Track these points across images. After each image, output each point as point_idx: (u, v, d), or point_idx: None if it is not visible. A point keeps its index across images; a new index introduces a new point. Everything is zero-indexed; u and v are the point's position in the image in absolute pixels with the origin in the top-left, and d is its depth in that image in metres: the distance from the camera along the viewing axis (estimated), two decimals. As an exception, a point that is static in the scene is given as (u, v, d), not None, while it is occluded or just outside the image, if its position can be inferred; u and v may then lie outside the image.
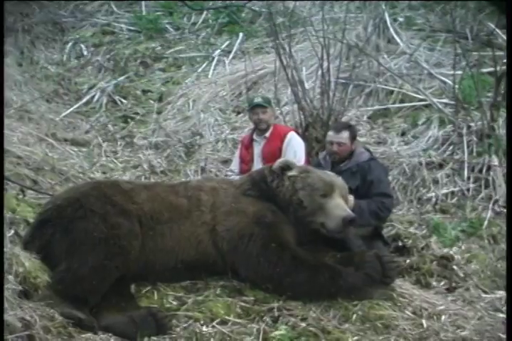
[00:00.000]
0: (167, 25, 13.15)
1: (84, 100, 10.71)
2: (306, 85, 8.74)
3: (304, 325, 4.49)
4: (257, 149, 6.99)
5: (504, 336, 4.68)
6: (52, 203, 4.92)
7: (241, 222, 4.97)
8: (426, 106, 9.08)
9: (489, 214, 6.97)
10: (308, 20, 10.48)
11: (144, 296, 4.76)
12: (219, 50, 11.83)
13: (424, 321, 4.70)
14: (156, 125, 9.67)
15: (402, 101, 9.39)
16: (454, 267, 5.85)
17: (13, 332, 3.70)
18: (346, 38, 9.09)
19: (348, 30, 9.49)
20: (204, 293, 4.80)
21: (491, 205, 7.09)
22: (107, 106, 10.62)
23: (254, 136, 7.10)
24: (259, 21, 12.64)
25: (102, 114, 10.34)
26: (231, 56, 11.52)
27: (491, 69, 8.40)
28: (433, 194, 7.41)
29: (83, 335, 4.11)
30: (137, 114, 10.33)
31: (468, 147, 7.75)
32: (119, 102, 10.72)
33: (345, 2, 11.15)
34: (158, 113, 10.23)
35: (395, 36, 10.31)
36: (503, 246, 6.39)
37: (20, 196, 6.02)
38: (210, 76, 11.07)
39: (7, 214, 5.02)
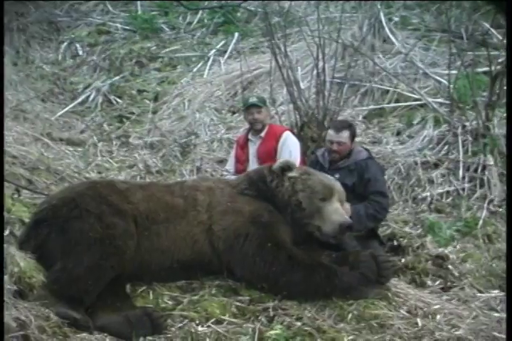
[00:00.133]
0: (162, 25, 13.14)
1: (79, 100, 10.72)
2: (302, 85, 8.75)
3: (299, 324, 4.49)
4: (253, 149, 6.99)
5: (499, 335, 4.71)
6: (48, 203, 4.90)
7: (237, 222, 4.97)
8: (421, 105, 9.09)
9: (484, 213, 6.98)
10: (304, 20, 10.47)
11: (139, 296, 4.76)
12: (214, 50, 11.83)
13: (419, 320, 4.70)
14: (151, 125, 9.67)
15: (397, 100, 9.40)
16: (449, 266, 5.86)
17: (8, 332, 3.69)
18: (341, 37, 9.12)
19: (343, 30, 9.50)
20: (199, 293, 4.79)
21: (485, 205, 7.11)
22: (102, 105, 10.63)
23: (250, 136, 7.10)
24: (255, 21, 12.64)
25: (97, 113, 10.36)
26: (226, 56, 11.53)
27: (486, 68, 8.42)
28: (428, 193, 7.42)
29: (78, 335, 4.10)
30: (132, 113, 10.33)
31: (463, 146, 7.77)
32: (114, 102, 10.73)
33: (341, 2, 11.18)
34: (154, 113, 10.24)
35: (390, 36, 10.33)
36: (498, 245, 6.41)
37: (16, 196, 6.01)
38: (205, 76, 11.07)
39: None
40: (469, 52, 9.17)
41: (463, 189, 7.39)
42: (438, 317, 4.83)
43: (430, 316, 4.82)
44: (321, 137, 7.50)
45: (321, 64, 8.07)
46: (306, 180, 5.22)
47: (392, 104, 9.36)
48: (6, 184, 5.97)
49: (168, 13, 13.57)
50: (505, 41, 8.51)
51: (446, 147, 7.98)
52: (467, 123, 7.95)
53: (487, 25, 10.05)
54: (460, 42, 9.88)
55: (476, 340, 4.58)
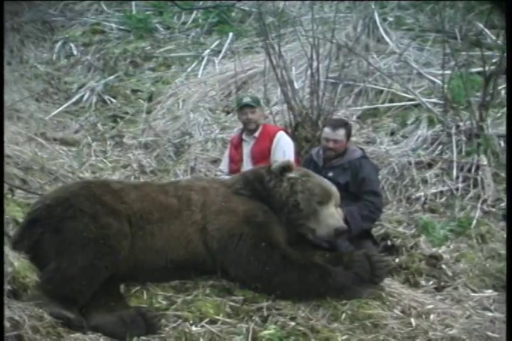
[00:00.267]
0: (157, 25, 13.12)
1: (73, 99, 10.71)
2: (296, 85, 8.76)
3: (293, 324, 4.49)
4: (247, 149, 7.00)
5: (492, 334, 4.73)
6: (42, 203, 4.90)
7: (231, 221, 4.97)
8: (415, 105, 9.10)
9: (478, 213, 6.98)
10: (298, 20, 10.48)
11: (133, 296, 4.76)
12: (209, 50, 11.82)
13: (412, 320, 4.71)
14: (145, 125, 9.66)
15: (391, 100, 9.41)
16: (443, 266, 5.86)
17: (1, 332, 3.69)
18: (336, 37, 9.13)
19: (337, 30, 9.51)
20: (193, 293, 4.80)
21: (479, 205, 7.10)
22: (96, 105, 10.61)
23: (244, 136, 7.11)
24: (249, 21, 12.65)
25: (91, 113, 10.35)
26: (221, 56, 11.51)
27: (480, 69, 8.43)
28: (422, 193, 7.41)
29: (72, 335, 4.11)
30: (127, 113, 10.32)
31: (457, 147, 7.77)
32: (108, 102, 10.71)
33: (335, 2, 11.20)
34: (148, 112, 10.22)
35: (385, 36, 10.34)
36: (492, 245, 6.42)
37: (9, 196, 6.01)
38: (199, 76, 11.06)
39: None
40: (463, 53, 9.18)
41: (456, 189, 7.39)
42: (432, 316, 4.84)
43: (424, 316, 4.84)
44: (315, 137, 7.51)
45: (315, 64, 8.08)
46: (305, 182, 5.23)
47: (386, 104, 9.36)
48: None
49: (163, 12, 13.54)
50: (499, 41, 8.57)
51: (440, 147, 7.98)
52: (461, 124, 7.96)
53: (481, 26, 10.09)
54: (454, 42, 9.89)
55: (470, 340, 4.59)
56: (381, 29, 10.37)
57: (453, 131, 7.93)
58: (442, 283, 5.63)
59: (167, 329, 4.35)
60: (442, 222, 6.87)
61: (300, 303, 4.75)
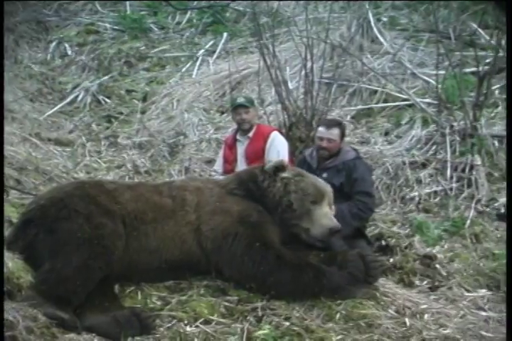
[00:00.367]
0: (151, 25, 13.14)
1: (68, 100, 10.71)
2: (290, 85, 8.78)
3: (287, 324, 4.49)
4: (241, 149, 7.01)
5: (486, 334, 4.74)
6: (36, 203, 4.89)
7: (225, 222, 4.97)
8: (409, 105, 9.13)
9: (472, 213, 6.99)
10: (292, 20, 10.51)
11: (127, 296, 4.75)
12: (203, 50, 11.84)
13: (407, 320, 4.71)
14: (140, 125, 9.66)
15: (385, 100, 9.44)
16: (437, 266, 5.86)
17: (-5, 333, 3.69)
18: (330, 37, 9.15)
19: (331, 30, 9.53)
20: (188, 293, 4.80)
21: (473, 204, 7.12)
22: (90, 105, 10.61)
23: (238, 136, 7.11)
24: (244, 21, 12.68)
25: (85, 113, 10.34)
26: (215, 56, 11.53)
27: (474, 69, 8.47)
28: (416, 193, 7.43)
29: (66, 336, 4.09)
30: (121, 113, 10.32)
31: (451, 147, 7.79)
32: (103, 102, 10.71)
33: (329, 2, 11.21)
34: (142, 113, 10.23)
35: (379, 36, 10.37)
36: (486, 244, 6.43)
37: (4, 196, 5.99)
38: (194, 76, 11.08)
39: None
40: (457, 53, 9.20)
41: (450, 189, 7.41)
42: (426, 316, 4.85)
43: (418, 315, 4.84)
44: (309, 137, 7.52)
45: (309, 64, 8.09)
46: (299, 182, 5.23)
47: (381, 104, 9.38)
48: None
49: (157, 12, 13.57)
50: (493, 41, 8.58)
51: (434, 147, 8.00)
52: (455, 124, 7.98)
53: (475, 26, 10.12)
54: (448, 42, 9.91)
55: (464, 339, 4.59)
56: (375, 29, 10.40)
57: (447, 131, 7.95)
58: (436, 283, 5.63)
59: (161, 329, 4.34)
60: (436, 221, 6.89)
61: (294, 303, 4.74)
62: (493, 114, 8.55)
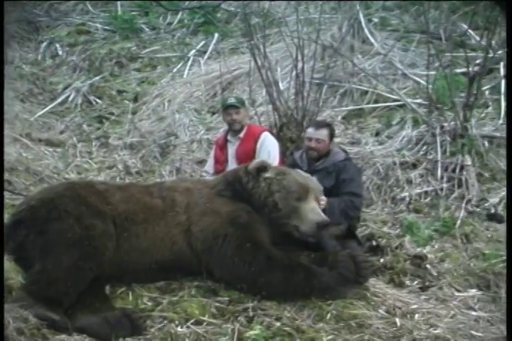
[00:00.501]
0: (142, 25, 13.14)
1: (59, 100, 10.65)
2: (281, 86, 8.80)
3: (278, 324, 4.50)
4: (232, 150, 7.01)
5: (476, 333, 4.76)
6: (26, 204, 4.89)
7: (215, 223, 4.98)
8: (400, 106, 9.15)
9: (462, 213, 7.01)
10: (283, 21, 10.54)
11: (118, 297, 4.76)
12: (194, 51, 11.84)
13: (397, 320, 4.73)
14: (131, 125, 9.63)
15: (376, 101, 9.46)
16: (428, 266, 5.86)
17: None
18: (321, 38, 9.15)
19: (322, 31, 9.55)
20: (179, 294, 4.81)
21: (463, 205, 7.14)
22: (81, 106, 10.56)
23: (229, 137, 7.11)
24: (235, 21, 12.69)
25: (76, 114, 10.29)
26: (206, 56, 11.54)
27: (464, 69, 8.47)
28: (407, 193, 7.44)
29: (57, 337, 4.10)
30: (112, 114, 10.29)
31: (441, 147, 7.80)
32: (94, 102, 10.67)
33: (320, 2, 11.19)
34: (133, 113, 10.20)
35: (370, 37, 10.41)
36: (476, 244, 6.45)
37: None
38: (185, 76, 11.07)
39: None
40: (447, 53, 9.22)
41: (441, 189, 7.42)
42: (416, 316, 4.86)
43: (408, 315, 4.86)
44: (300, 138, 7.52)
45: (300, 65, 8.08)
46: (281, 181, 5.24)
47: (371, 105, 9.40)
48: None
49: (149, 13, 13.57)
50: (483, 42, 8.61)
51: (424, 147, 8.02)
52: (445, 124, 7.99)
53: (465, 27, 10.15)
54: (438, 43, 9.92)
55: (454, 339, 4.60)
56: (366, 30, 10.43)
57: (437, 131, 7.96)
58: (427, 283, 5.63)
59: (152, 330, 4.35)
60: (427, 222, 6.90)
61: (285, 304, 4.76)
62: (483, 115, 8.57)
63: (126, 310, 4.49)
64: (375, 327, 4.60)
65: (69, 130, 9.67)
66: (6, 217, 5.26)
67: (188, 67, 11.30)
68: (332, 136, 6.29)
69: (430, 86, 8.35)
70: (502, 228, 6.81)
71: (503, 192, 7.30)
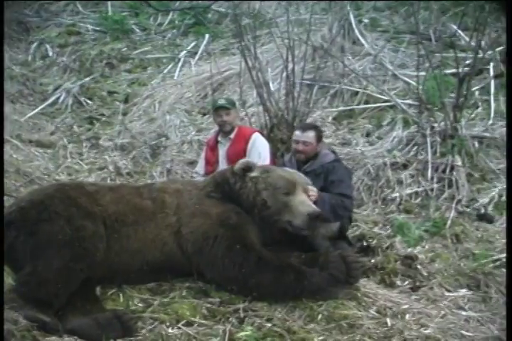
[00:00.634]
0: (133, 26, 13.10)
1: (49, 101, 10.63)
2: (272, 86, 8.79)
3: (269, 325, 4.50)
4: (222, 151, 7.01)
5: (466, 333, 4.77)
6: (16, 205, 4.87)
7: (205, 224, 4.98)
8: (390, 107, 9.18)
9: (452, 213, 7.03)
10: (274, 22, 10.55)
11: (109, 299, 4.76)
12: (185, 51, 11.82)
13: (388, 320, 4.74)
14: (121, 126, 9.62)
15: (366, 102, 9.47)
16: (418, 266, 5.87)
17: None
18: (311, 39, 9.18)
19: (313, 32, 9.57)
20: (170, 295, 4.82)
21: (454, 205, 7.16)
22: (72, 107, 10.54)
23: (219, 138, 7.11)
24: (225, 22, 12.68)
25: (67, 115, 10.27)
26: (197, 57, 11.52)
27: (454, 70, 8.50)
28: (397, 194, 7.46)
29: (48, 339, 4.09)
30: (103, 115, 10.27)
31: (431, 147, 7.82)
32: (84, 103, 10.64)
33: (311, 3, 11.21)
34: (124, 114, 10.19)
35: (360, 38, 10.43)
36: (466, 245, 6.47)
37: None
38: (175, 77, 11.05)
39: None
40: (437, 54, 9.26)
41: (431, 189, 7.44)
42: (407, 316, 4.87)
43: (399, 316, 4.87)
44: (290, 139, 7.49)
45: (290, 65, 8.09)
46: (266, 178, 5.25)
47: (362, 106, 9.42)
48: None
49: (139, 14, 13.53)
50: (472, 43, 8.63)
51: (415, 148, 8.04)
52: (435, 125, 8.02)
53: (455, 27, 10.18)
54: (428, 44, 9.96)
55: (445, 339, 4.62)
56: (356, 31, 10.46)
57: (428, 132, 7.99)
58: (417, 283, 5.64)
59: (143, 331, 4.34)
60: (417, 222, 6.91)
61: (276, 305, 4.76)
62: (473, 115, 8.60)
63: (117, 311, 4.48)
64: (366, 328, 4.60)
65: (59, 131, 9.65)
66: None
67: (178, 68, 11.29)
68: (319, 138, 6.27)
69: (420, 86, 8.37)
70: (492, 228, 6.85)
71: (493, 193, 7.35)
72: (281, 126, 7.84)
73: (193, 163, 8.12)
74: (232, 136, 6.99)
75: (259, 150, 6.81)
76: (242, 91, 8.94)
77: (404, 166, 7.84)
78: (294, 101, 7.92)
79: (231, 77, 10.24)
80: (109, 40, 12.68)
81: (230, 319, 4.57)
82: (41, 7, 13.93)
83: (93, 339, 4.21)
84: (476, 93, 9.17)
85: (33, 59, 12.24)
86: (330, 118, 9.23)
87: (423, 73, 8.45)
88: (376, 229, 6.78)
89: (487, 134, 8.18)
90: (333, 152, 6.48)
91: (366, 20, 11.25)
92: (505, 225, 6.86)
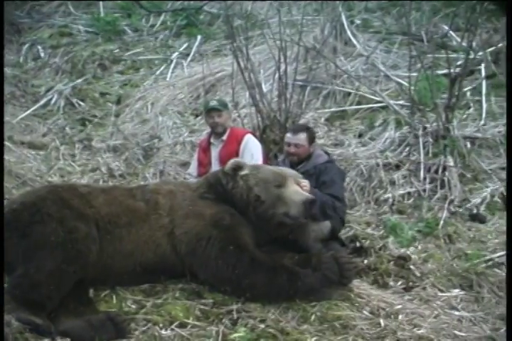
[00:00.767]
0: (125, 27, 13.10)
1: (41, 102, 10.60)
2: (264, 88, 8.78)
3: (262, 326, 4.50)
4: (215, 152, 7.01)
5: (459, 333, 4.79)
6: (8, 207, 4.84)
7: (198, 225, 4.97)
8: (382, 107, 9.20)
9: (445, 214, 7.05)
10: (266, 23, 10.55)
11: (102, 300, 4.73)
12: (177, 53, 11.83)
13: (381, 320, 4.74)
14: (114, 128, 9.60)
15: (359, 103, 9.50)
16: (411, 267, 5.89)
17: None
18: (303, 40, 9.17)
19: (305, 33, 9.58)
20: (163, 296, 4.79)
21: (446, 205, 7.18)
22: (64, 108, 10.52)
23: (212, 139, 7.12)
24: (217, 23, 12.69)
25: (59, 116, 10.25)
26: (189, 58, 11.53)
27: (446, 71, 8.53)
28: (390, 195, 7.47)
29: (40, 341, 4.09)
30: (95, 116, 10.25)
31: (424, 148, 7.84)
32: (76, 105, 10.62)
33: (303, 4, 11.23)
34: (116, 116, 10.17)
35: (352, 38, 10.46)
36: (459, 245, 6.49)
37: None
38: (168, 78, 11.05)
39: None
40: (429, 55, 9.27)
41: (424, 190, 7.46)
42: (400, 317, 4.87)
43: (392, 316, 4.87)
44: (283, 140, 7.50)
45: (283, 66, 8.09)
46: (256, 174, 5.26)
47: (354, 107, 9.44)
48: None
49: (131, 15, 13.52)
50: (463, 43, 8.67)
51: (407, 148, 8.06)
52: (428, 125, 8.04)
53: (446, 28, 10.21)
54: (420, 44, 9.98)
55: (438, 339, 4.63)
56: (348, 32, 10.48)
57: (420, 132, 8.01)
58: (410, 284, 5.65)
59: (137, 333, 4.33)
60: (410, 222, 6.92)
61: (270, 306, 4.75)
62: (465, 116, 8.64)
63: (110, 313, 4.47)
64: (360, 328, 4.61)
65: (52, 133, 9.63)
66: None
67: (171, 70, 11.29)
68: (312, 139, 6.26)
69: (412, 87, 8.39)
70: (484, 228, 6.88)
71: (485, 193, 7.37)
72: (273, 127, 7.84)
73: (185, 165, 8.11)
74: (224, 137, 6.99)
75: (252, 152, 6.82)
76: (235, 93, 8.93)
77: (397, 167, 7.86)
78: (286, 102, 7.92)
79: (223, 78, 10.26)
80: (101, 42, 12.67)
81: (224, 320, 4.56)
82: (33, 8, 13.93)
83: (86, 341, 4.21)
84: (468, 94, 9.21)
85: (25, 60, 12.22)
86: (322, 119, 9.24)
87: (415, 74, 8.48)
88: (369, 230, 6.79)
89: (479, 135, 8.21)
90: (327, 153, 6.48)
91: (358, 21, 11.30)
92: (497, 225, 6.90)
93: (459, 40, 9.67)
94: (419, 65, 8.66)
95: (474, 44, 8.58)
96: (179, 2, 13.58)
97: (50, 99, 10.68)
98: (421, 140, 7.94)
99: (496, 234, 6.70)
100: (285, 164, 6.29)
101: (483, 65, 9.49)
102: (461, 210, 7.17)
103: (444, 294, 5.53)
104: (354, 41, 10.43)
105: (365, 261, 5.97)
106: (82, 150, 9.10)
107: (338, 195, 5.99)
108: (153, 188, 5.33)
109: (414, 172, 7.69)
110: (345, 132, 8.96)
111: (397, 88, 9.42)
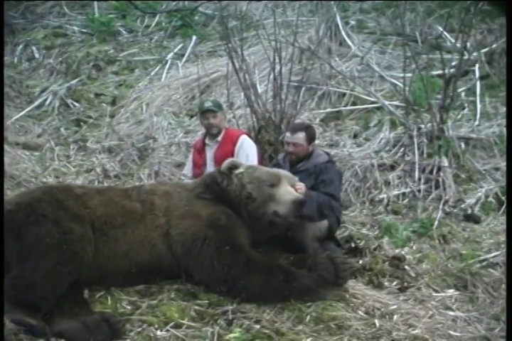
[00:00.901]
0: (120, 28, 13.06)
1: (36, 103, 10.56)
2: (259, 88, 8.79)
3: (258, 327, 4.50)
4: (210, 153, 7.01)
5: (454, 333, 4.81)
6: (4, 208, 4.85)
7: (194, 226, 4.98)
8: (377, 108, 9.22)
9: (439, 214, 7.07)
10: (261, 24, 10.56)
11: (97, 301, 4.73)
12: (172, 54, 11.81)
13: (376, 321, 4.76)
14: (109, 129, 9.58)
15: (354, 103, 9.52)
16: (406, 267, 5.90)
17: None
18: (298, 41, 9.18)
19: (300, 34, 9.60)
20: (158, 297, 4.80)
21: (441, 206, 7.20)
22: (59, 109, 10.48)
23: (207, 140, 7.11)
24: (212, 24, 12.66)
25: (54, 117, 10.21)
26: (184, 59, 11.50)
27: (440, 71, 8.54)
28: (385, 195, 7.48)
29: (35, 342, 4.08)
30: (90, 117, 10.22)
31: (418, 148, 7.85)
32: (71, 106, 10.59)
33: (298, 5, 11.24)
34: (111, 116, 10.15)
35: (347, 39, 10.48)
36: (453, 245, 6.51)
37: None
38: (163, 79, 11.03)
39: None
40: (424, 56, 9.29)
41: (418, 190, 7.47)
42: (395, 317, 4.90)
43: (387, 316, 4.90)
44: (278, 140, 7.55)
45: (277, 67, 8.09)
46: (252, 173, 5.31)
47: (349, 107, 9.46)
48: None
49: (126, 16, 13.48)
50: (458, 44, 8.69)
51: (402, 149, 8.07)
52: (422, 126, 8.05)
53: (440, 29, 10.23)
54: (415, 45, 10.02)
55: (432, 339, 4.65)
56: (343, 32, 10.50)
57: (414, 133, 8.02)
58: (405, 284, 5.67)
59: (132, 334, 4.33)
60: (405, 223, 6.93)
61: (265, 306, 4.76)
62: (459, 116, 8.65)
63: (105, 314, 4.46)
64: (355, 328, 4.63)
65: (46, 133, 9.60)
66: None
67: (166, 70, 11.27)
68: (311, 138, 6.25)
69: (407, 88, 8.40)
70: (479, 228, 6.89)
71: (480, 193, 7.39)
72: (268, 128, 7.85)
73: (180, 165, 8.10)
74: (219, 138, 6.99)
75: (247, 152, 6.82)
76: (230, 93, 8.93)
77: (392, 167, 7.87)
78: (281, 103, 7.93)
79: (218, 79, 10.25)
80: (95, 42, 12.64)
81: (219, 321, 4.56)
82: (27, 9, 13.86)
83: (81, 342, 4.20)
84: (462, 94, 9.24)
85: (19, 61, 12.17)
86: (317, 119, 9.26)
87: (409, 74, 8.49)
88: (364, 230, 6.80)
89: (473, 135, 8.23)
90: (327, 153, 6.49)
91: (353, 22, 11.31)
92: (491, 225, 6.92)
93: (453, 40, 9.68)
94: (413, 66, 8.66)
95: (468, 45, 8.60)
96: (174, 3, 13.55)
97: (45, 100, 10.64)
98: (416, 140, 7.94)
99: (491, 234, 6.73)
100: (285, 162, 6.30)
101: (477, 66, 9.52)
102: (455, 210, 7.19)
103: (438, 294, 5.56)
104: (349, 42, 10.45)
105: (360, 262, 5.98)
106: (77, 151, 9.08)
107: (335, 194, 6.01)
108: (149, 189, 5.34)
109: (408, 173, 7.70)
110: (340, 133, 8.98)
111: (392, 89, 9.43)
